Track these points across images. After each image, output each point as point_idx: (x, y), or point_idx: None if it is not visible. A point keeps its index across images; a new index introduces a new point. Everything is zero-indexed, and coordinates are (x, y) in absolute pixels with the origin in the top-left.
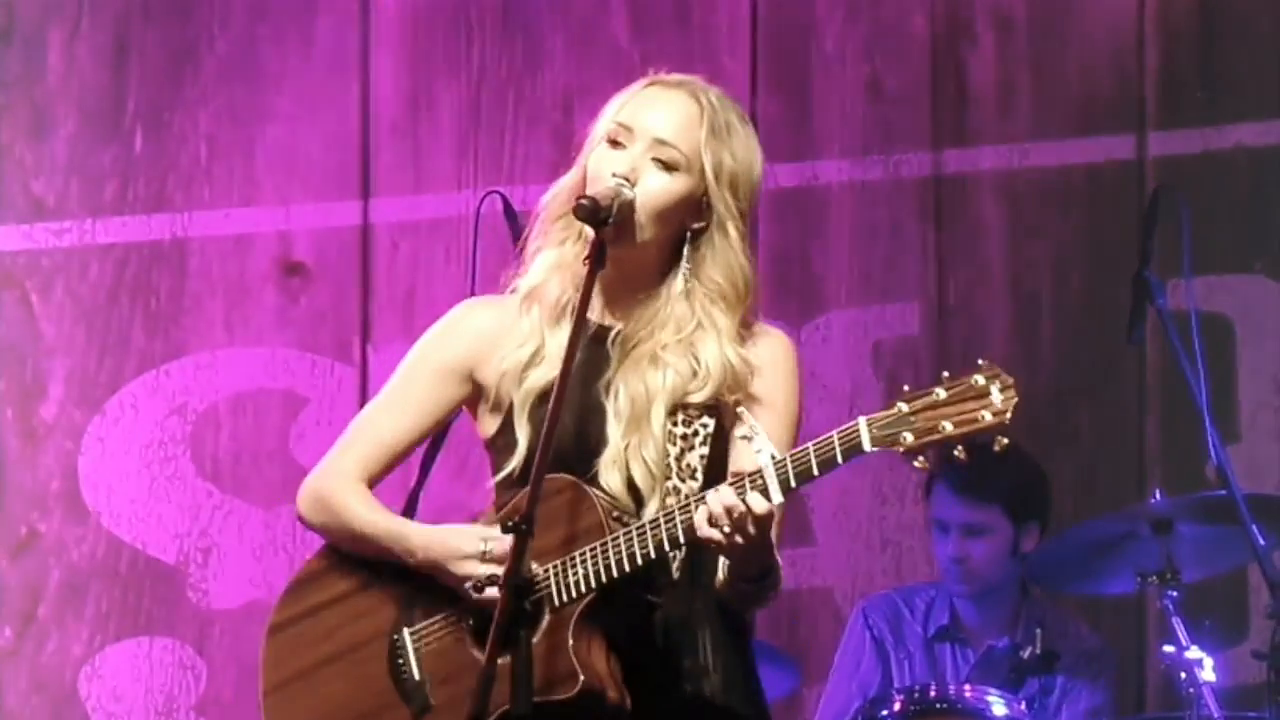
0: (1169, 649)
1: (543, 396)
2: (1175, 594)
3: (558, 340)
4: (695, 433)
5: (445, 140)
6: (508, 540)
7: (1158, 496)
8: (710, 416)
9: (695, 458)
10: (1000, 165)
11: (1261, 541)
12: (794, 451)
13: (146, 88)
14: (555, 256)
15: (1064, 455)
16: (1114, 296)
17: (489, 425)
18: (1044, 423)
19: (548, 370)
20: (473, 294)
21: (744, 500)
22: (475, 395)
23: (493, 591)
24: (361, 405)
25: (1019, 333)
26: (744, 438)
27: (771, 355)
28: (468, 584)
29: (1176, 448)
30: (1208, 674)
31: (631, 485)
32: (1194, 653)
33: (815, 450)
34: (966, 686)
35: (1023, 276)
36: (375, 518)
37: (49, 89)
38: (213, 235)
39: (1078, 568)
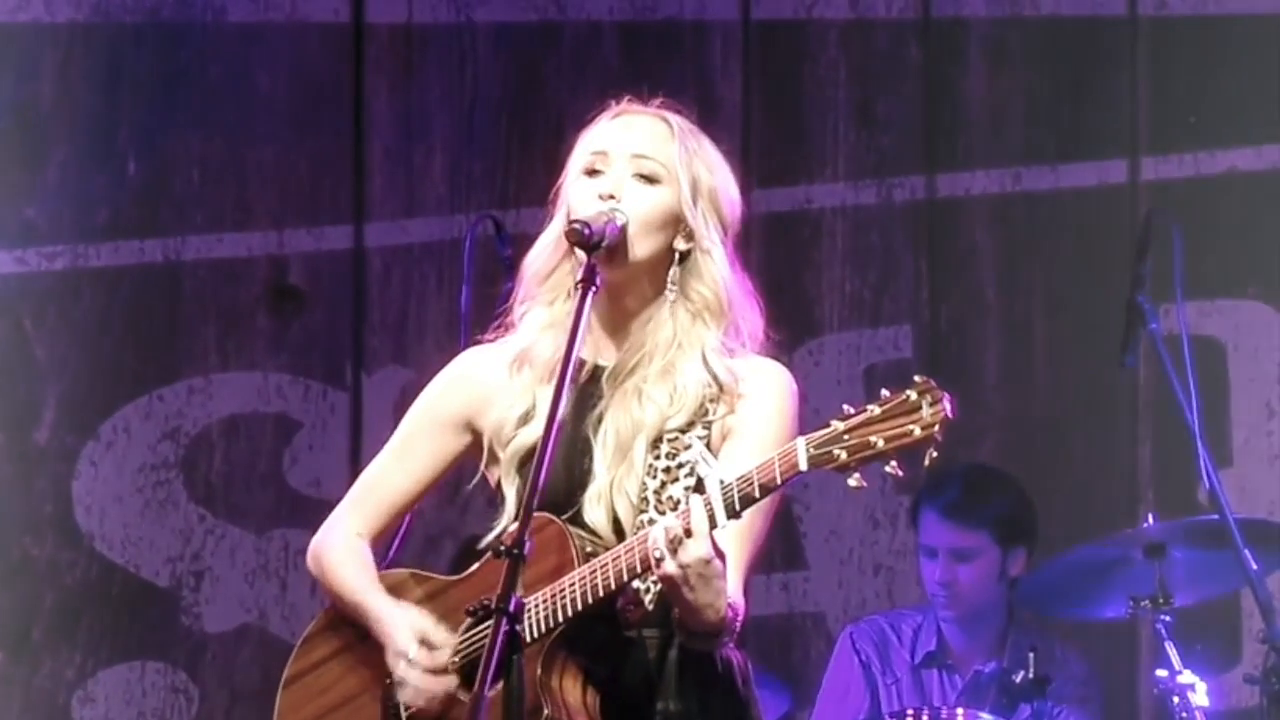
0: (1161, 673)
1: (530, 454)
2: (1168, 618)
3: (549, 397)
4: (681, 465)
5: (438, 164)
6: (434, 651)
7: (1150, 521)
8: (700, 441)
9: (679, 490)
10: (993, 190)
11: (1254, 566)
12: (740, 475)
13: (139, 112)
14: (546, 316)
15: (1056, 479)
16: (1107, 320)
17: (491, 475)
18: (1037, 447)
19: (537, 428)
20: (465, 318)
21: (687, 525)
22: (477, 444)
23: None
24: (354, 430)
25: (1011, 356)
26: (690, 462)
27: (758, 386)
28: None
29: (1169, 472)
30: (1200, 698)
31: (616, 521)
32: (1186, 677)
33: (758, 473)
34: (959, 711)
35: (1015, 300)
36: (347, 583)
37: (42, 114)
38: (205, 259)
39: (1070, 592)
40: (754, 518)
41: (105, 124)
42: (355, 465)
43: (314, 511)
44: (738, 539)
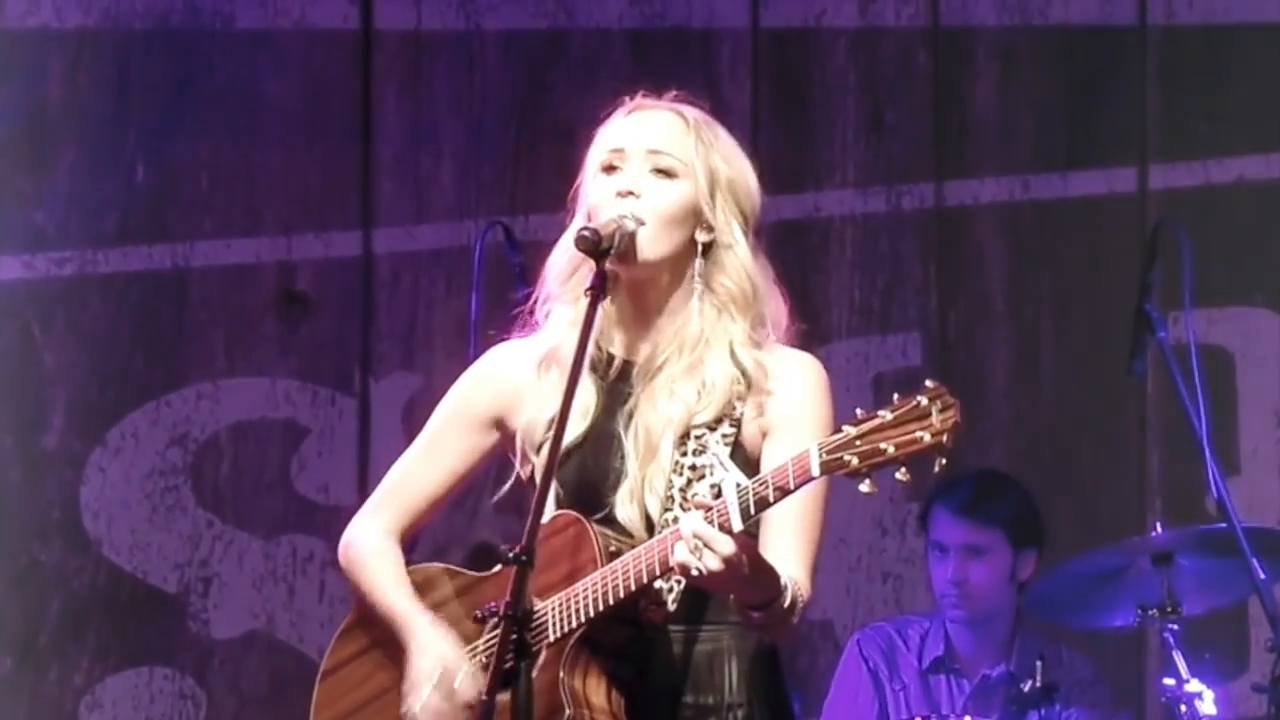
0: (1169, 681)
1: (564, 455)
2: (1175, 626)
3: (579, 398)
4: (708, 463)
5: (447, 170)
6: (453, 689)
7: (1158, 529)
8: (727, 442)
9: (705, 488)
10: (1001, 197)
11: (1262, 574)
12: (755, 479)
13: (148, 118)
14: (571, 314)
15: (1064, 487)
16: (1115, 329)
17: (524, 471)
18: (1045, 454)
19: (569, 430)
20: (474, 324)
21: (702, 529)
22: (508, 441)
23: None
24: (362, 436)
25: (1020, 365)
26: (708, 466)
27: (790, 380)
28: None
29: (1177, 480)
30: (1208, 707)
31: (648, 518)
32: (1194, 685)
33: (773, 477)
34: (966, 718)
35: (1024, 308)
36: (379, 591)
37: (50, 120)
38: (214, 265)
39: (1078, 600)
40: (809, 507)
41: (114, 130)
42: (363, 471)
43: (322, 517)
44: (794, 528)
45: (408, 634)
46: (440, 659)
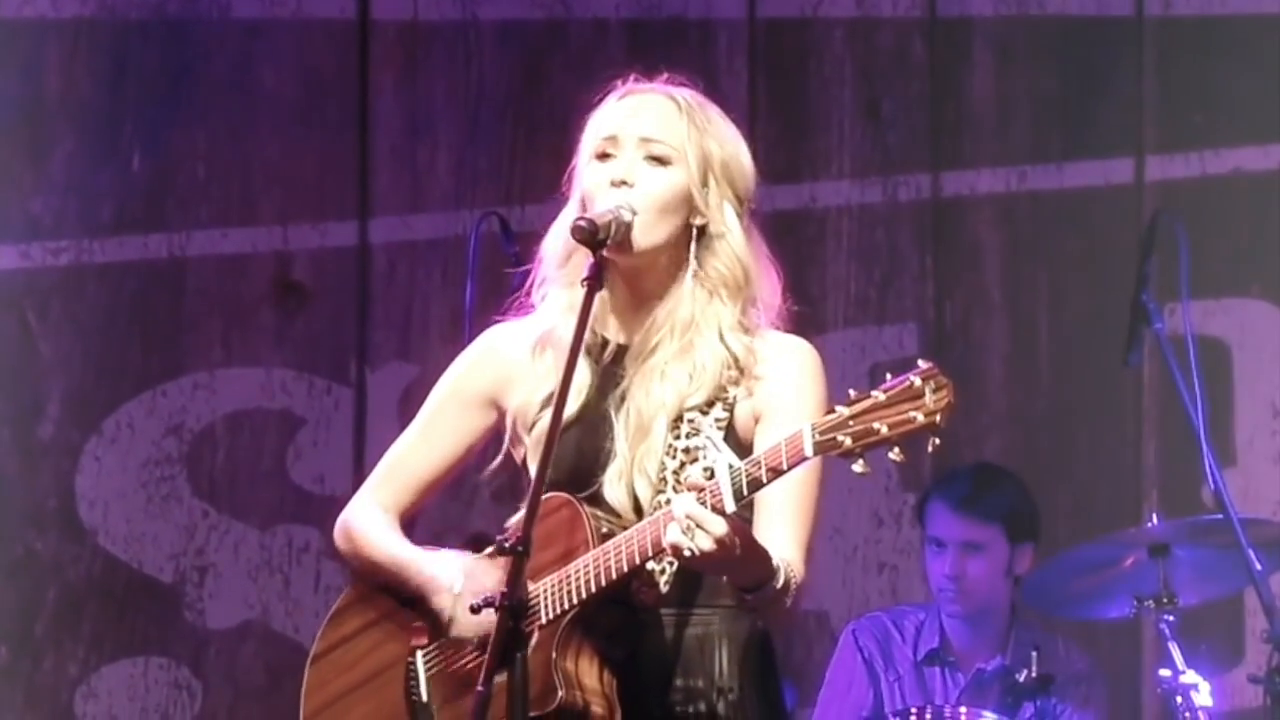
0: (1165, 673)
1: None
2: (1171, 617)
3: (574, 380)
4: (701, 445)
5: (443, 161)
6: (481, 577)
7: (1154, 520)
8: (720, 425)
9: (697, 471)
10: (998, 188)
11: (1258, 565)
12: (748, 460)
13: (144, 107)
14: (566, 298)
15: (1061, 478)
16: (1111, 320)
17: (517, 454)
18: (1041, 445)
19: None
20: (469, 314)
21: (695, 510)
22: (503, 422)
23: (481, 616)
24: (358, 426)
25: (1016, 355)
26: (701, 449)
27: (782, 364)
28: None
29: (1173, 471)
30: (1204, 698)
31: (636, 500)
32: (1190, 676)
33: (766, 458)
34: (962, 709)
35: (1020, 299)
36: (382, 545)
37: (47, 109)
38: (210, 255)
39: (1074, 591)
40: (803, 490)
41: (110, 119)
42: (359, 461)
43: (318, 508)
44: (787, 510)
45: (415, 570)
46: (456, 568)
